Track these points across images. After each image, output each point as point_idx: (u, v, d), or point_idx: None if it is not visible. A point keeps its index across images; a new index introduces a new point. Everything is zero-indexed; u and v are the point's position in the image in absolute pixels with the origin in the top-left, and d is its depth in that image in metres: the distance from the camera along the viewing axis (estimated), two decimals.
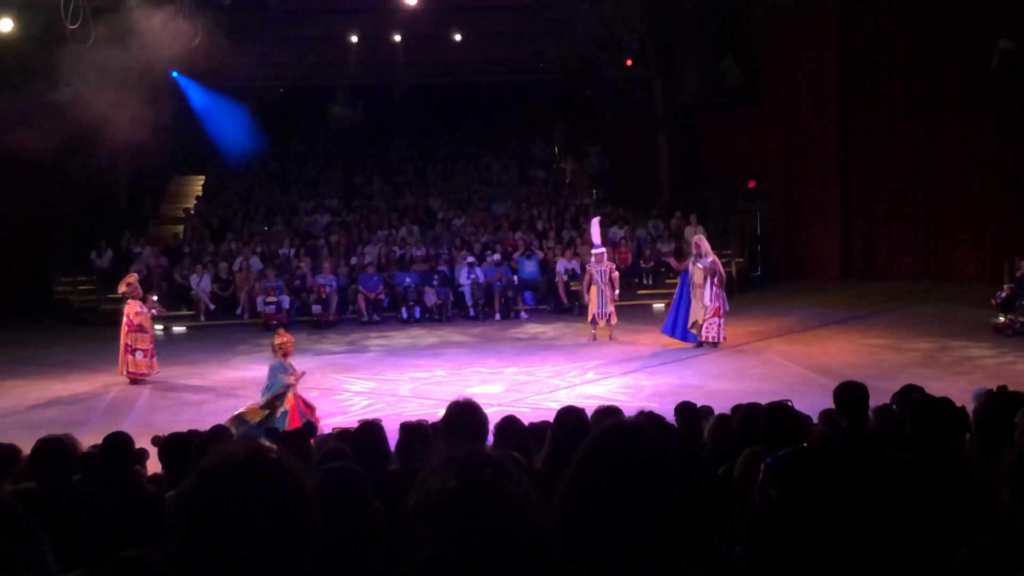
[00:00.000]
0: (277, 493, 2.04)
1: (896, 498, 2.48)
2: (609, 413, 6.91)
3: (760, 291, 27.51)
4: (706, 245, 20.86)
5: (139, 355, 18.92)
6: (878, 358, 18.59)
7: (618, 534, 2.42)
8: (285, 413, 13.14)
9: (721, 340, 20.34)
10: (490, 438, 6.42)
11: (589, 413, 6.78)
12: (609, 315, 21.78)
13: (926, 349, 19.27)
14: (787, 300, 26.11)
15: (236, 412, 13.15)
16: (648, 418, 6.37)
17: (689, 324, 20.69)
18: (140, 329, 18.91)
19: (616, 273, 22.20)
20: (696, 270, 20.60)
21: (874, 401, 7.85)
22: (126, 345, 18.90)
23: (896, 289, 26.38)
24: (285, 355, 13.62)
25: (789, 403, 6.89)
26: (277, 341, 13.76)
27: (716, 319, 20.34)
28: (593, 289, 21.82)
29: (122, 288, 19.80)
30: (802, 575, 2.48)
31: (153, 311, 19.73)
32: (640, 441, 2.59)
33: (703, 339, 20.34)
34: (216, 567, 1.97)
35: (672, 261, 22.35)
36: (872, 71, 28.74)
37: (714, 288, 20.24)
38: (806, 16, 29.31)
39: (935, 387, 8.70)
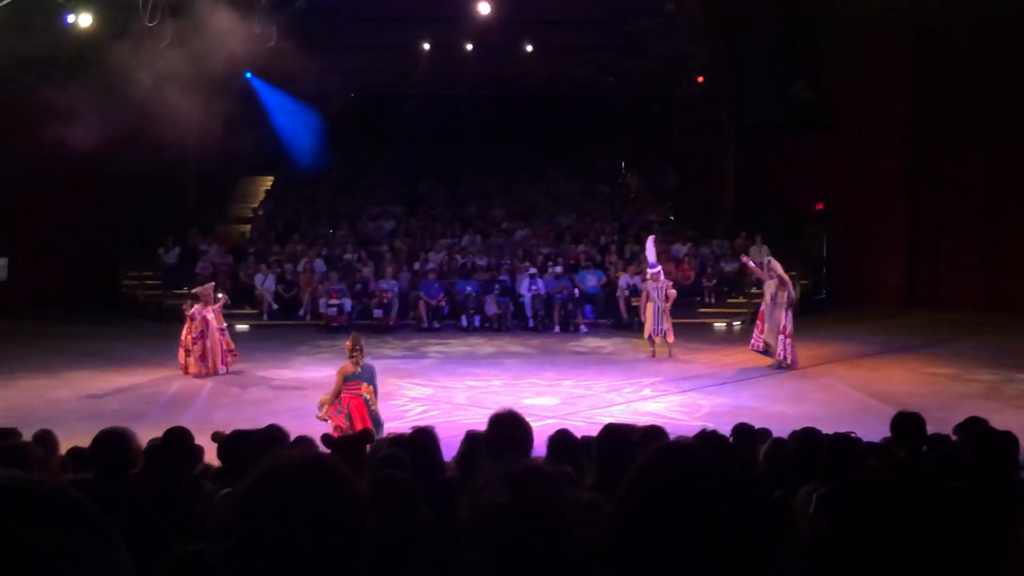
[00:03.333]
0: (332, 500, 2.06)
1: (951, 535, 2.45)
2: (655, 436, 6.86)
3: (823, 315, 27.22)
4: (777, 265, 20.63)
5: (190, 356, 19.38)
6: (940, 388, 18.32)
7: (669, 558, 2.42)
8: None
9: (790, 362, 20.13)
10: (539, 450, 6.41)
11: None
12: (665, 332, 21.68)
13: (990, 381, 18.95)
14: (850, 325, 25.83)
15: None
16: (709, 437, 6.30)
17: (763, 339, 20.62)
18: (199, 334, 19.44)
19: (673, 291, 22.07)
20: (768, 286, 20.49)
21: (934, 432, 7.75)
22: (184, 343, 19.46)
23: (961, 319, 26.04)
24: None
25: (853, 435, 6.80)
26: (362, 343, 13.85)
27: (786, 339, 20.16)
28: (650, 306, 21.75)
29: (196, 290, 20.32)
30: None
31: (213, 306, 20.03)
32: (694, 464, 2.58)
33: (778, 358, 20.18)
34: (267, 570, 1.99)
35: (753, 267, 22.09)
36: (944, 99, 28.45)
37: (784, 308, 20.07)
38: (880, 42, 29.06)
39: (997, 420, 8.55)
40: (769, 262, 20.85)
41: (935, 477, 5.12)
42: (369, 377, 13.45)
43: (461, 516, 2.03)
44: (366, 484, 4.23)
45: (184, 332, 19.52)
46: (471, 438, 6.48)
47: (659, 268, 22.29)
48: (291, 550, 1.98)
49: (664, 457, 2.61)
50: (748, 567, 3.63)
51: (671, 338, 21.80)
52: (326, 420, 13.24)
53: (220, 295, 20.80)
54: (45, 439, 8.42)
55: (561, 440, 6.96)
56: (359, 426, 12.91)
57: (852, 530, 2.47)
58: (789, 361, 20.12)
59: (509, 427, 5.44)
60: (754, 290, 28.08)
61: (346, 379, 13.33)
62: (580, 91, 35.84)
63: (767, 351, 20.39)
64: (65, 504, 1.50)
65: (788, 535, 5.91)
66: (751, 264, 21.93)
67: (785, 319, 20.08)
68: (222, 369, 19.59)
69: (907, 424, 7.11)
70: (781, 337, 20.12)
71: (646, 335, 21.99)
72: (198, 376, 19.24)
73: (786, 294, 20.14)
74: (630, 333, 25.11)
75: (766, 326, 20.35)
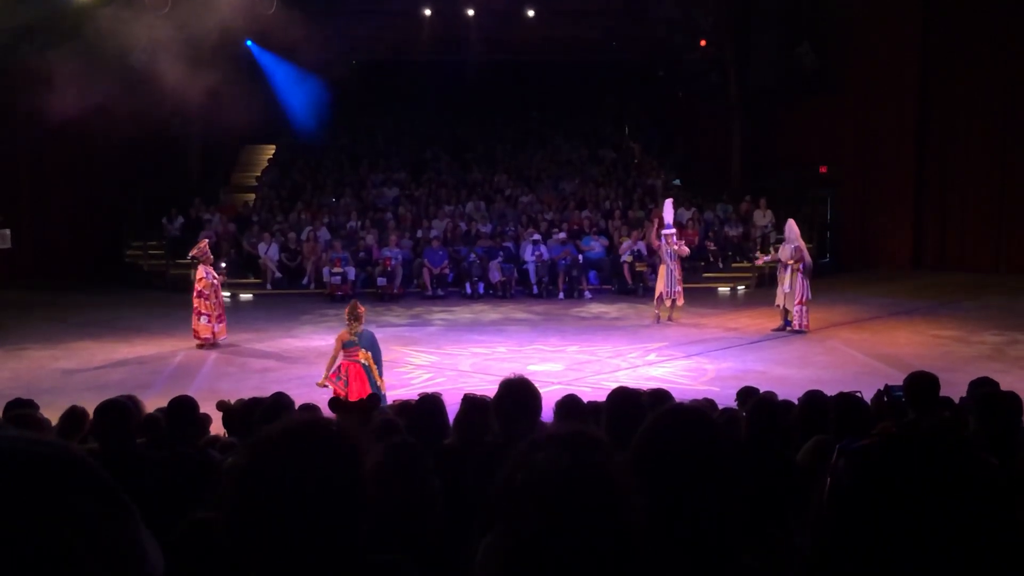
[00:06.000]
0: (332, 466, 2.04)
1: (976, 496, 2.43)
2: (662, 399, 6.87)
3: (829, 278, 27.16)
4: (796, 230, 20.59)
5: (203, 319, 19.20)
6: (945, 350, 18.31)
7: (674, 519, 2.40)
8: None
9: (803, 328, 20.10)
10: (546, 416, 6.41)
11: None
12: (676, 295, 21.62)
13: (995, 342, 18.94)
14: (856, 288, 25.82)
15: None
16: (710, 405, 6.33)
17: (775, 305, 20.62)
18: (199, 295, 19.18)
19: (686, 250, 22.04)
20: (783, 251, 20.49)
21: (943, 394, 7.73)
22: (195, 309, 19.23)
23: (967, 281, 25.99)
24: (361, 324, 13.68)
25: (859, 394, 6.78)
26: (361, 310, 13.81)
27: (803, 307, 20.12)
28: (662, 268, 21.69)
29: (193, 252, 20.10)
30: (870, 565, 2.45)
31: (217, 278, 19.94)
32: (700, 426, 2.57)
33: (795, 326, 20.14)
34: (267, 537, 1.97)
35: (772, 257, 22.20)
36: (951, 60, 28.27)
37: (798, 275, 20.02)
38: (885, 3, 28.86)
39: (1003, 381, 8.55)
40: (788, 225, 20.77)
41: (964, 439, 5.11)
42: (368, 343, 13.45)
43: (512, 479, 2.01)
44: (379, 450, 4.21)
45: (196, 299, 19.34)
46: (468, 401, 6.47)
47: (674, 230, 22.20)
48: (289, 516, 1.97)
49: (671, 417, 2.60)
50: (754, 528, 3.62)
51: (680, 301, 21.76)
52: (327, 387, 13.28)
53: (223, 265, 20.75)
54: (74, 415, 8.32)
55: (569, 405, 6.99)
56: (357, 391, 12.93)
57: (878, 487, 2.45)
58: (802, 327, 20.08)
59: (519, 392, 5.44)
60: (758, 253, 28.06)
61: (344, 345, 13.38)
62: (584, 56, 35.58)
63: (787, 318, 20.35)
64: (71, 467, 1.48)
65: (797, 498, 5.90)
66: (768, 258, 21.80)
67: (802, 286, 20.04)
68: (216, 327, 19.53)
69: (920, 384, 7.06)
70: (799, 306, 20.09)
71: (656, 295, 21.95)
72: (211, 340, 19.18)
73: (801, 262, 20.08)
74: (634, 298, 25.14)
75: (782, 292, 20.30)
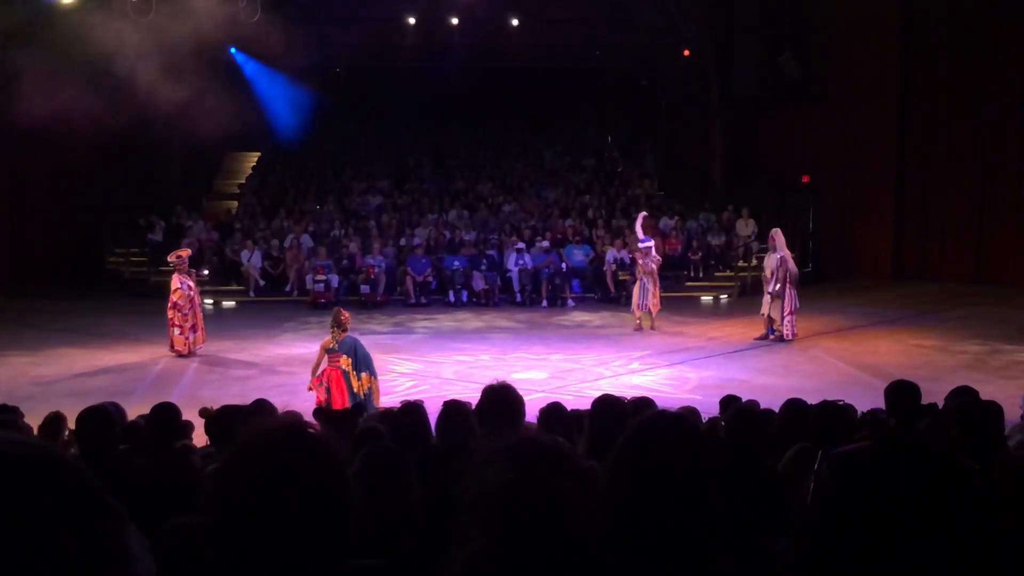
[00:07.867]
0: (312, 471, 2.04)
1: (960, 501, 2.44)
2: (645, 405, 6.89)
3: (810, 288, 27.19)
4: (781, 240, 20.61)
5: (176, 331, 19.04)
6: (926, 359, 18.38)
7: (656, 525, 2.41)
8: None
9: (790, 337, 20.15)
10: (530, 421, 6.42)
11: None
12: (650, 308, 21.71)
13: (976, 352, 19.01)
14: (837, 297, 25.88)
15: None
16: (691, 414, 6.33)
17: (760, 314, 20.64)
18: (174, 307, 19.03)
19: (651, 265, 21.87)
20: (769, 261, 20.53)
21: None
22: (169, 320, 19.12)
23: (948, 290, 26.09)
24: (345, 331, 13.69)
25: (841, 403, 6.79)
26: (344, 317, 13.81)
27: (791, 316, 20.16)
28: (638, 282, 21.84)
29: (171, 258, 19.99)
30: (855, 568, 2.46)
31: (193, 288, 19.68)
32: (682, 432, 2.58)
33: (781, 335, 20.16)
34: (250, 542, 1.97)
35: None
36: (931, 70, 28.43)
37: (786, 284, 20.04)
38: (866, 12, 28.99)
39: (983, 391, 8.57)
40: (773, 234, 20.77)
41: (950, 447, 5.13)
42: (349, 349, 13.46)
43: (464, 495, 2.03)
44: (358, 459, 4.22)
45: (170, 311, 19.18)
46: (448, 406, 6.48)
47: (651, 243, 22.26)
48: (272, 522, 1.97)
49: (653, 423, 2.60)
50: (738, 536, 3.63)
51: (655, 310, 21.80)
52: (312, 391, 13.35)
53: (205, 271, 20.61)
54: (53, 421, 8.28)
55: (553, 412, 7.00)
56: (336, 397, 12.98)
57: (864, 493, 2.46)
58: (790, 336, 20.12)
59: (501, 398, 5.44)
60: (740, 263, 28.13)
61: (327, 352, 13.42)
62: (567, 64, 35.63)
63: (772, 326, 20.38)
64: (57, 470, 1.47)
65: (779, 505, 5.91)
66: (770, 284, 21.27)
67: (789, 296, 20.06)
68: (191, 336, 19.35)
69: (901, 393, 7.07)
70: (789, 316, 20.11)
71: (632, 307, 22.15)
72: (188, 350, 19.03)
73: (786, 271, 20.10)
74: (617, 307, 25.13)
75: (767, 301, 20.34)
